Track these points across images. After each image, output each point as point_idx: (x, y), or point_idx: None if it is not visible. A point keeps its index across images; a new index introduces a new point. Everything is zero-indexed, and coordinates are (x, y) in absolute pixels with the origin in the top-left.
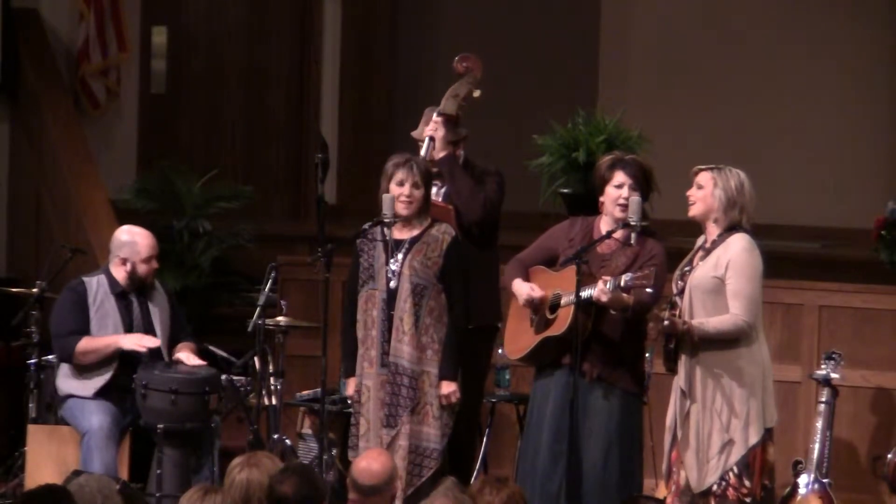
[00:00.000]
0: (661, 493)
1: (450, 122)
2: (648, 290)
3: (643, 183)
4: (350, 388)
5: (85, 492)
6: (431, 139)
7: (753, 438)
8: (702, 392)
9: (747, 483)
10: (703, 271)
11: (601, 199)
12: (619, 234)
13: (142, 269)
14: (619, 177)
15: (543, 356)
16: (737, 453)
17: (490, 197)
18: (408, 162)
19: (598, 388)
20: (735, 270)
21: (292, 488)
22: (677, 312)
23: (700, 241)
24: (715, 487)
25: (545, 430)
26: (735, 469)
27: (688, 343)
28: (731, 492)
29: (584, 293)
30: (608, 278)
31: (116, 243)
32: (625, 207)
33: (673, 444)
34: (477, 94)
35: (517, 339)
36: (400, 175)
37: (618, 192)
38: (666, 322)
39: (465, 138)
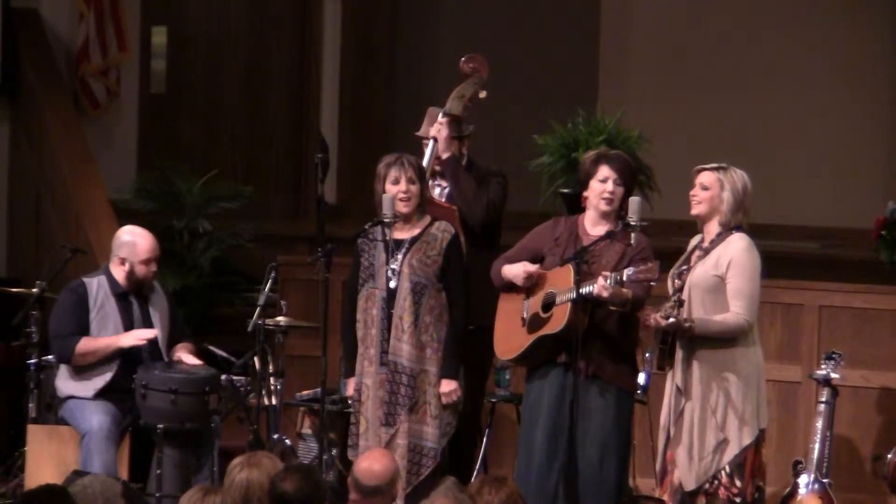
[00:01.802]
0: (660, 493)
1: (454, 121)
2: (653, 283)
3: (628, 177)
4: (350, 388)
5: (88, 493)
6: (435, 140)
7: (747, 439)
8: (698, 390)
9: (738, 483)
10: (703, 270)
11: (585, 193)
12: (607, 230)
13: (140, 269)
14: (604, 171)
15: (538, 355)
16: (730, 453)
17: (492, 199)
18: (398, 160)
19: (594, 386)
20: (736, 270)
21: (294, 487)
22: (682, 311)
23: (695, 240)
24: (707, 486)
25: (540, 429)
26: (727, 469)
27: (685, 340)
28: (722, 491)
29: (584, 290)
30: (608, 274)
31: (117, 242)
32: (610, 201)
33: (667, 443)
34: (483, 94)
35: (508, 340)
36: (394, 173)
37: (602, 186)
38: (671, 320)
39: (469, 136)
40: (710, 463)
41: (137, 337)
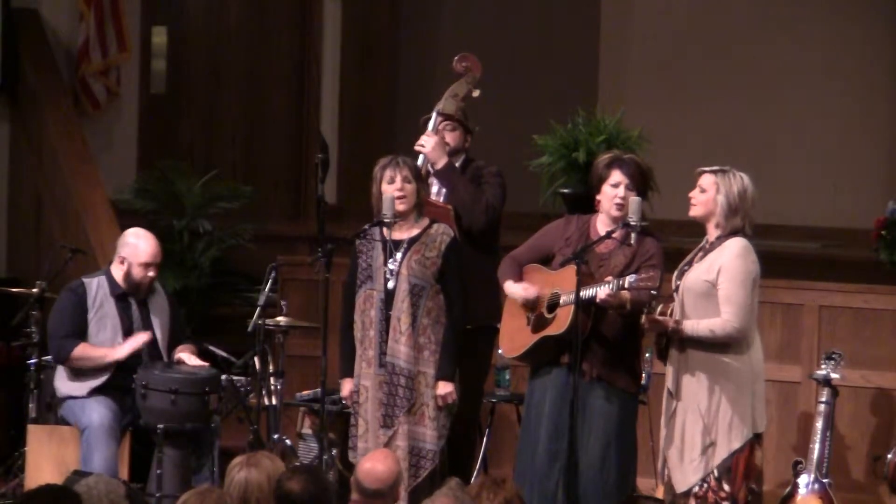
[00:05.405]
0: (660, 493)
1: (448, 119)
2: (654, 291)
3: (640, 182)
4: (345, 389)
5: (93, 494)
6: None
7: (736, 443)
8: (688, 393)
9: (726, 487)
10: (696, 274)
11: (598, 197)
12: (616, 234)
13: (137, 272)
14: (616, 176)
15: (541, 355)
16: (718, 456)
17: (491, 202)
18: (393, 160)
19: (598, 388)
20: (727, 276)
21: (300, 487)
22: (668, 310)
23: (704, 241)
24: (696, 489)
25: (542, 429)
26: (715, 472)
27: (677, 342)
28: (710, 495)
29: (585, 293)
30: (611, 279)
31: (121, 241)
32: (621, 206)
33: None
34: (476, 93)
35: (513, 338)
36: (389, 173)
37: (614, 191)
38: (660, 318)
39: (472, 133)
40: (699, 465)
41: (132, 346)
